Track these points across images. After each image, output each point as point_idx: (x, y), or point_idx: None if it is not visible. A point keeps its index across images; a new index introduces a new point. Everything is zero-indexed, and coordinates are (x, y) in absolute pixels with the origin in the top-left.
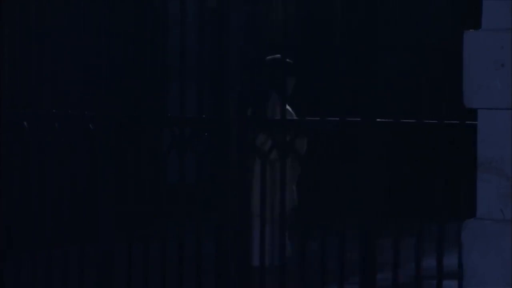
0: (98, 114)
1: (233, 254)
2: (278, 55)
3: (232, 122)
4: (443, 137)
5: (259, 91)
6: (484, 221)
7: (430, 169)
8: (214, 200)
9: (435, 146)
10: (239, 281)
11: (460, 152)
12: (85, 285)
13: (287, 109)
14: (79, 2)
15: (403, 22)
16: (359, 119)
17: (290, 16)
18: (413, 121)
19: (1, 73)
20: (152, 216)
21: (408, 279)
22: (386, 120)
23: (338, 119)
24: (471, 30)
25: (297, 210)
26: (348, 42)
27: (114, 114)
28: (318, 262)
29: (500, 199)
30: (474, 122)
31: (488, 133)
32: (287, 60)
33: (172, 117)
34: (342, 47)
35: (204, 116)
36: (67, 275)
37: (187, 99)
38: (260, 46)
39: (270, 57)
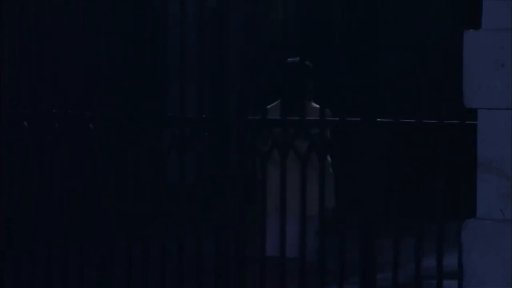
0: (98, 114)
1: (233, 254)
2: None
3: (232, 122)
4: (443, 137)
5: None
6: (484, 221)
7: (430, 169)
8: (214, 200)
9: (435, 146)
10: (239, 281)
11: (460, 152)
12: (85, 285)
13: (315, 106)
14: (79, 2)
15: (403, 22)
16: (359, 119)
17: (290, 16)
18: (413, 121)
19: (1, 73)
20: (152, 216)
21: (408, 279)
22: (386, 120)
23: (338, 119)
24: (471, 30)
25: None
26: (348, 42)
27: (114, 114)
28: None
29: (500, 199)
30: (474, 122)
31: (488, 133)
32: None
33: (172, 117)
34: (342, 47)
35: (204, 116)
36: (67, 275)
37: (187, 99)
38: (260, 46)
39: (290, 59)
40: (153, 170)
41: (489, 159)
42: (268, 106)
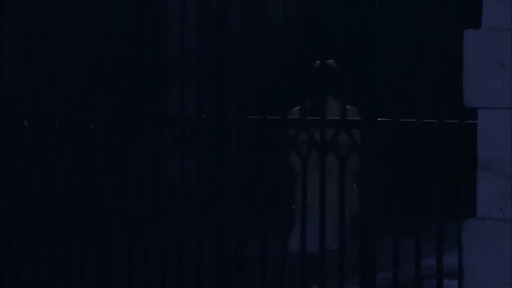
0: (98, 114)
1: (233, 254)
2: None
3: (232, 122)
4: (443, 137)
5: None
6: (484, 221)
7: (430, 169)
8: (214, 200)
9: (435, 146)
10: (239, 281)
11: (460, 152)
12: (85, 285)
13: (349, 108)
14: (79, 2)
15: (403, 22)
16: (359, 119)
17: (290, 16)
18: (413, 121)
19: (1, 73)
20: (152, 216)
21: (408, 279)
22: (386, 119)
23: (338, 119)
24: (471, 30)
25: (359, 210)
26: (348, 42)
27: (114, 114)
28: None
29: (500, 199)
30: (474, 122)
31: (488, 133)
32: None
33: (172, 117)
34: (342, 47)
35: (204, 116)
36: (67, 275)
37: (187, 99)
38: (260, 46)
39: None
40: (153, 170)
41: (489, 159)
42: (291, 111)
